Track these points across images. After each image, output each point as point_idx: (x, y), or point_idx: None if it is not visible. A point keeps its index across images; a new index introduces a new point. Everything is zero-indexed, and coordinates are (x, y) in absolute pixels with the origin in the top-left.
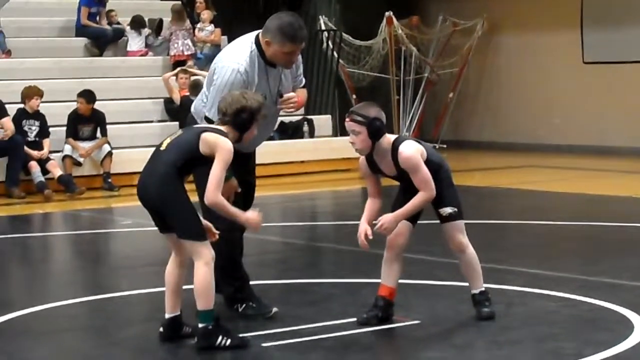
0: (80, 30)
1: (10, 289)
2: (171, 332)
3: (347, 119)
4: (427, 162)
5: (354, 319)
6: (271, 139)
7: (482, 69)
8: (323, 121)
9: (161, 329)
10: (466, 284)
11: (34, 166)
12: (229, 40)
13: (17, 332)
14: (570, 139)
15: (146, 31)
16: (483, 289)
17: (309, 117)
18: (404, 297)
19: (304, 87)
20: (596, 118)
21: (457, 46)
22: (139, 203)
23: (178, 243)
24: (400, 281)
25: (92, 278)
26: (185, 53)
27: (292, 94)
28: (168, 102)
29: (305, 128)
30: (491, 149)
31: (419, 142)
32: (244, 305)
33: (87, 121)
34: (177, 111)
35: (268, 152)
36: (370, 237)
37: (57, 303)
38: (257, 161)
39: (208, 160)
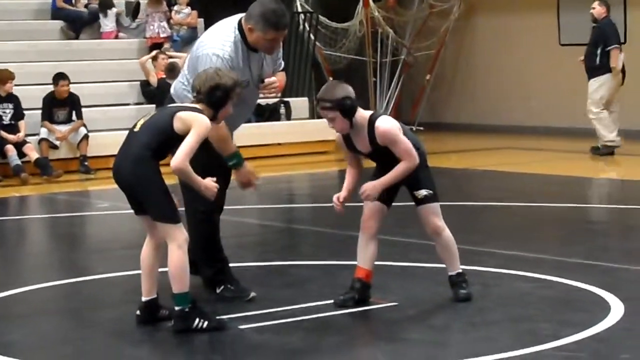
0: (56, 12)
1: None
2: (148, 316)
3: (318, 108)
4: None
5: (332, 301)
6: (248, 121)
7: (458, 51)
8: (300, 103)
9: (138, 312)
10: (443, 265)
11: (10, 149)
12: (206, 23)
13: None
14: (547, 121)
15: (114, 11)
16: (460, 270)
17: (286, 99)
18: (381, 279)
19: (283, 70)
20: (572, 100)
21: (434, 28)
22: (115, 186)
23: (153, 225)
24: (377, 263)
25: (69, 261)
26: (161, 35)
27: (273, 78)
28: (144, 84)
29: (282, 110)
30: (468, 131)
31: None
32: (222, 287)
33: (62, 104)
34: (154, 94)
35: (245, 134)
36: (342, 201)
37: (33, 286)
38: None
39: (183, 140)
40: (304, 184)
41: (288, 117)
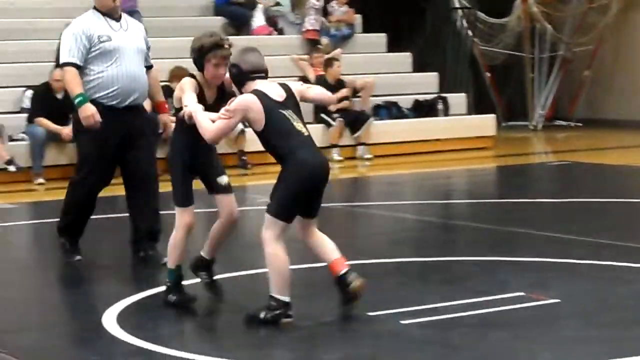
0: (219, 9)
1: None
2: (194, 268)
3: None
4: None
5: (492, 297)
6: (406, 117)
7: (618, 46)
8: (457, 99)
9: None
10: (605, 262)
11: None
12: (363, 20)
13: None
14: None
15: (260, 7)
16: None
17: (444, 95)
18: (542, 275)
19: (150, 67)
20: None
21: (593, 23)
22: None
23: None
24: (537, 260)
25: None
26: (315, 29)
27: None
28: (303, 80)
29: (440, 106)
30: (627, 127)
31: None
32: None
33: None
34: None
35: (403, 130)
36: None
37: None
38: (392, 140)
39: None
40: (462, 180)
41: (446, 112)
